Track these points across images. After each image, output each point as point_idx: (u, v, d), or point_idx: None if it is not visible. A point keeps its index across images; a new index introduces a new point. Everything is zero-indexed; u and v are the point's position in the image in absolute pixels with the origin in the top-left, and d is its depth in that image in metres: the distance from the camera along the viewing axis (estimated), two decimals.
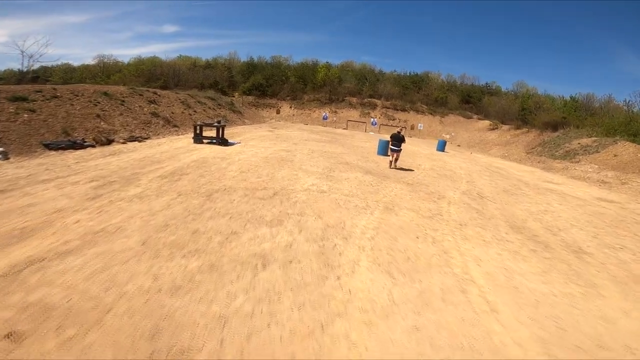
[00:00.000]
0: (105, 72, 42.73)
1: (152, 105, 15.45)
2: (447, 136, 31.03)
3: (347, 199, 6.53)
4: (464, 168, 13.38)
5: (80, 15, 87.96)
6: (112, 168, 7.00)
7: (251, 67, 42.64)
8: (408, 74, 44.58)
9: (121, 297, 3.02)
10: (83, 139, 9.70)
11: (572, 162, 17.40)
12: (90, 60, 46.96)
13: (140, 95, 15.70)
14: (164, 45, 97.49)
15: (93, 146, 9.46)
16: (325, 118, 29.37)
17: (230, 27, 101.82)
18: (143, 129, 13.07)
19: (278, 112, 30.89)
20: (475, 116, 37.40)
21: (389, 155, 11.49)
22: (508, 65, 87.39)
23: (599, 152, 17.55)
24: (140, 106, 14.64)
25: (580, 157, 17.73)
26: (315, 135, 19.06)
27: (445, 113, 36.95)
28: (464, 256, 4.58)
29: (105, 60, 44.81)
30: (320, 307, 3.09)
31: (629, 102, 21.30)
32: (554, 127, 22.67)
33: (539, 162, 18.71)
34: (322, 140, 16.72)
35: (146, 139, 11.82)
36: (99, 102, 12.31)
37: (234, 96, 34.10)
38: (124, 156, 8.30)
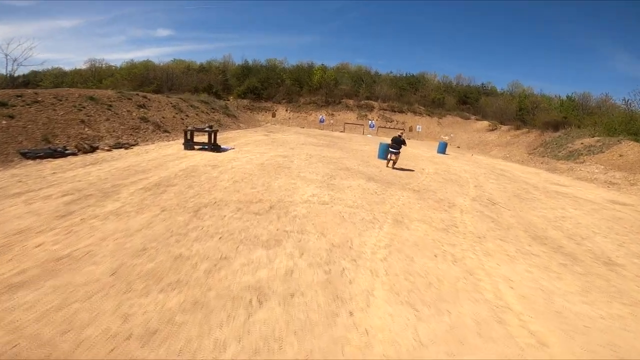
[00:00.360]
0: (96, 77, 42.09)
1: (142, 109, 14.77)
2: (446, 137, 30.60)
3: (352, 211, 5.92)
4: (469, 171, 12.84)
5: (72, 19, 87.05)
6: (91, 179, 6.32)
7: (246, 70, 42.03)
8: (404, 75, 44.32)
9: (79, 345, 2.38)
10: (64, 146, 9.00)
11: (576, 162, 16.95)
12: (82, 65, 46.25)
13: (129, 99, 15.01)
14: (158, 49, 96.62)
15: (75, 154, 8.77)
16: (322, 121, 28.80)
17: (225, 30, 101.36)
18: (131, 134, 12.39)
19: (274, 115, 30.29)
20: (473, 117, 37.05)
21: (388, 159, 11.15)
22: (501, 65, 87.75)
23: (603, 152, 17.13)
24: (128, 111, 13.96)
25: (585, 157, 17.31)
26: (312, 139, 18.47)
27: (443, 114, 36.56)
28: (492, 277, 3.97)
29: (97, 64, 44.07)
30: (332, 355, 2.46)
31: (628, 101, 20.89)
32: (555, 127, 22.30)
33: (542, 163, 18.25)
34: (320, 144, 16.12)
35: (134, 145, 11.13)
36: (84, 107, 11.61)
37: (228, 100, 33.46)
38: (106, 165, 7.61)
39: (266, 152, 11.62)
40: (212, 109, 21.62)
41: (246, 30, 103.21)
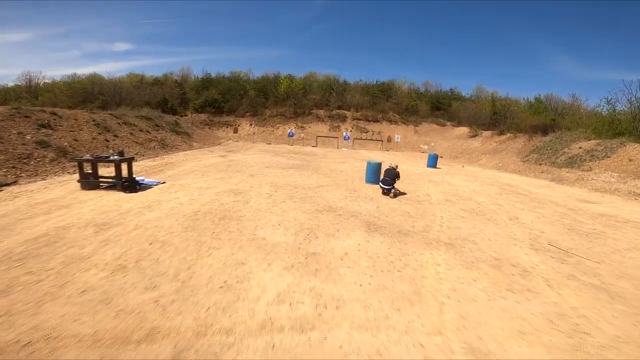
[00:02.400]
0: (32, 93, 36.94)
1: (43, 130, 10.80)
2: (425, 147, 28.48)
3: (372, 342, 2.64)
4: (480, 192, 10.07)
5: (21, 33, 78.86)
6: None
7: (206, 83, 38.27)
8: (375, 83, 42.40)
9: None
10: None
11: (583, 170, 14.86)
12: (16, 80, 40.51)
13: (27, 117, 11.01)
14: (116, 64, 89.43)
15: None
16: (290, 135, 25.61)
17: (187, 44, 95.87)
18: (14, 167, 8.48)
19: (236, 131, 26.71)
20: (448, 123, 35.58)
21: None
22: (461, 72, 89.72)
23: (609, 157, 15.22)
24: (19, 133, 10.00)
25: (590, 163, 15.29)
26: (280, 159, 15.16)
27: (419, 121, 34.75)
28: None
29: (34, 79, 38.82)
30: None
31: (611, 101, 19.39)
32: (544, 130, 20.59)
33: (542, 172, 16.08)
34: (290, 166, 12.84)
35: (8, 185, 7.27)
36: None
37: (186, 115, 29.56)
38: None
39: (212, 185, 8.14)
40: (156, 125, 17.74)
41: (210, 44, 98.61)
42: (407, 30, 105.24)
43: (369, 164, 9.83)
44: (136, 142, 13.97)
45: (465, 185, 11.15)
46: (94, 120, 13.47)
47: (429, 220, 6.42)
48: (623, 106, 19.29)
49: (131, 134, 14.62)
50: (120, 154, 7.14)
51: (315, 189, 8.50)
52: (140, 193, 6.81)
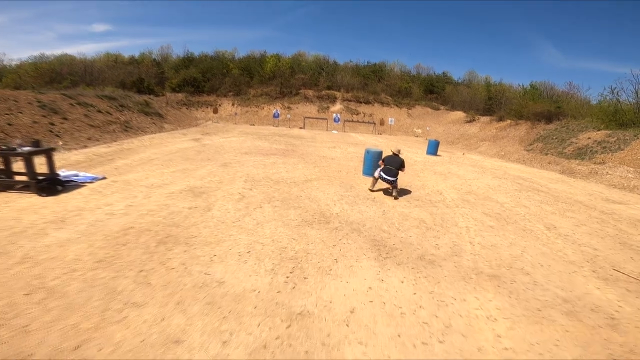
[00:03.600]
0: None
1: None
2: (419, 131, 26.97)
3: None
4: (495, 188, 8.63)
5: None
6: None
7: (187, 62, 35.33)
8: (366, 64, 40.09)
9: None
10: None
11: (595, 163, 13.59)
12: None
13: None
14: (95, 45, 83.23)
15: None
16: (276, 116, 23.55)
17: (169, 24, 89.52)
18: None
19: (216, 111, 24.42)
20: (442, 107, 34.06)
21: (375, 178, 6.84)
22: (452, 57, 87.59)
23: (622, 149, 13.96)
24: None
25: (601, 156, 14.02)
26: (262, 143, 13.31)
27: (412, 104, 33.09)
28: None
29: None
30: None
31: (614, 90, 18.28)
32: (548, 118, 19.26)
33: (549, 162, 14.79)
34: (273, 152, 11.05)
35: None
36: None
37: (163, 95, 27.00)
38: None
39: (167, 181, 6.32)
40: (121, 106, 15.44)
41: (193, 26, 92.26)
42: (396, 14, 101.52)
43: (367, 152, 8.15)
44: (91, 125, 11.82)
45: (476, 178, 9.66)
46: (39, 102, 11.19)
47: (454, 234, 4.86)
48: (627, 97, 18.29)
49: (86, 115, 12.41)
50: (35, 143, 5.20)
51: (302, 185, 6.80)
52: (61, 196, 4.96)
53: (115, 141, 11.13)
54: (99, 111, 13.46)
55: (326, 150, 12.88)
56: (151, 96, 23.84)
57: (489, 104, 31.61)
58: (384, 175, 6.54)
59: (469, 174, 10.20)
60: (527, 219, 6.03)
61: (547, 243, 4.93)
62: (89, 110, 12.93)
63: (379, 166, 6.73)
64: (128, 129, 13.30)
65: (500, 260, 4.11)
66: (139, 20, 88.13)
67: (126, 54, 38.08)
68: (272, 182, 6.91)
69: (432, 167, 10.85)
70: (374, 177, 6.77)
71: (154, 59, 37.11)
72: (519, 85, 34.74)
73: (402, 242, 4.38)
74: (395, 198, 6.40)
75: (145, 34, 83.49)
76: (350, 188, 6.96)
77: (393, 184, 6.51)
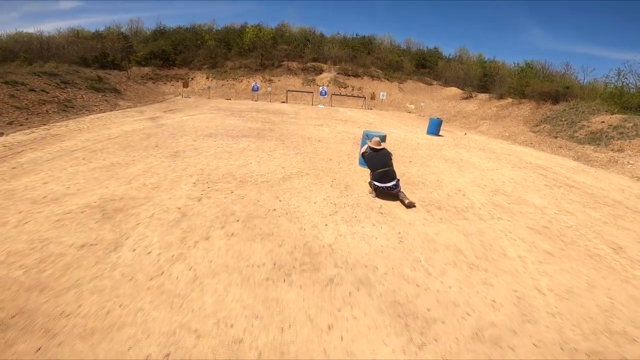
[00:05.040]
0: None
1: None
2: (412, 107, 25.02)
3: None
4: (521, 182, 7.02)
5: None
6: None
7: (158, 35, 31.72)
8: (355, 36, 36.94)
9: None
10: None
11: (613, 150, 12.02)
12: None
13: None
14: (63, 23, 75.07)
15: None
16: (255, 89, 21.03)
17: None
18: None
19: (186, 85, 21.64)
20: (435, 82, 32.05)
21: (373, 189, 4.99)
22: (442, 33, 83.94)
23: None
24: None
25: (618, 142, 12.44)
26: (234, 120, 11.12)
27: (403, 79, 30.91)
28: None
29: None
30: None
31: (621, 72, 17.08)
32: (554, 98, 17.64)
33: (559, 147, 13.19)
34: (245, 133, 8.95)
35: None
36: None
37: (127, 69, 23.91)
38: None
39: (74, 189, 4.25)
40: (63, 83, 12.77)
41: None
42: None
43: (367, 136, 6.16)
44: (16, 107, 9.33)
45: (494, 168, 7.93)
46: None
47: (508, 273, 3.13)
48: (635, 79, 17.04)
49: (12, 96, 9.85)
50: None
51: (278, 187, 4.87)
52: None
53: (45, 124, 8.77)
54: (32, 90, 10.88)
55: (311, 129, 10.85)
56: (115, 71, 20.92)
57: (484, 80, 29.99)
58: (380, 185, 4.72)
59: (483, 162, 8.46)
60: (583, 235, 4.38)
61: (628, 278, 3.34)
62: (17, 90, 10.36)
63: (375, 182, 4.83)
64: (68, 109, 10.81)
65: (592, 322, 2.50)
66: None
67: (94, 30, 33.91)
68: (236, 182, 4.94)
69: (440, 152, 9.04)
70: (370, 182, 4.97)
71: (122, 33, 33.25)
72: (514, 63, 33.09)
73: (440, 302, 2.59)
74: (409, 206, 4.58)
75: (116, 9, 75.61)
76: (345, 189, 5.08)
77: (395, 189, 4.70)
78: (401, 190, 4.75)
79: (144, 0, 75.80)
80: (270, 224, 3.68)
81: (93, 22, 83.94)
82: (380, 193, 4.81)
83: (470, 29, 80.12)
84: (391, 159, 4.88)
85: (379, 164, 4.73)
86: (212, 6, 78.31)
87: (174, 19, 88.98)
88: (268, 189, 4.77)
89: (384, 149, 4.93)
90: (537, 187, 6.62)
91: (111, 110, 12.41)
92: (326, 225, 3.84)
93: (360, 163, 6.52)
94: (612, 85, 17.69)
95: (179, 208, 3.88)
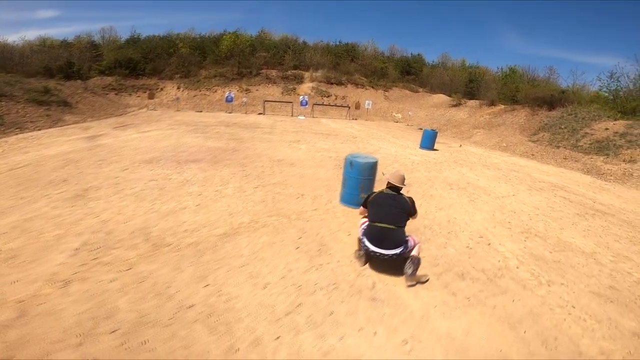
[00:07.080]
0: None
1: None
2: (399, 115, 23.75)
3: None
4: (551, 214, 5.56)
5: None
6: None
7: (131, 44, 29.71)
8: (338, 44, 35.72)
9: None
10: None
11: (624, 161, 10.82)
12: None
13: None
14: (41, 32, 71.31)
15: None
16: (229, 100, 19.25)
17: (125, 9, 77.92)
18: None
19: (151, 96, 19.70)
20: (421, 89, 31.08)
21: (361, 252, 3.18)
22: (425, 39, 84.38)
23: None
24: None
25: (628, 151, 11.27)
26: (193, 138, 9.32)
27: (388, 86, 29.79)
28: None
29: None
30: None
31: (615, 74, 16.43)
32: (550, 104, 16.61)
33: (564, 158, 11.94)
34: (197, 157, 7.15)
35: None
36: None
37: (88, 79, 21.84)
38: None
39: None
40: None
41: (150, 8, 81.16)
42: None
43: (351, 164, 4.50)
44: None
45: (510, 194, 6.41)
46: None
47: None
48: (628, 82, 16.24)
49: None
50: None
51: (210, 257, 3.12)
52: None
53: None
54: None
55: (285, 147, 9.17)
56: (77, 82, 18.85)
57: (471, 86, 29.31)
58: (372, 248, 2.95)
59: (494, 185, 6.95)
60: None
61: None
62: None
63: (365, 244, 3.04)
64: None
65: None
66: (90, 4, 76.54)
67: (71, 39, 31.55)
68: (147, 246, 3.18)
69: (441, 174, 7.48)
70: (359, 239, 3.20)
71: (92, 42, 31.04)
72: (498, 68, 32.65)
73: None
74: (414, 283, 2.89)
75: (95, 18, 72.22)
76: (318, 252, 3.38)
77: (393, 258, 2.96)
78: (413, 251, 3.00)
79: (126, 10, 73.21)
80: (172, 343, 1.95)
81: (71, 31, 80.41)
82: (373, 258, 3.11)
83: (451, 35, 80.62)
84: (407, 215, 3.06)
85: (383, 215, 2.98)
86: (191, 17, 76.34)
87: (154, 28, 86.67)
88: (194, 260, 3.02)
89: (399, 193, 3.12)
90: (570, 219, 5.12)
91: (49, 128, 10.42)
92: (278, 339, 2.14)
93: (341, 200, 4.85)
94: (606, 90, 16.97)
95: (20, 302, 2.11)
